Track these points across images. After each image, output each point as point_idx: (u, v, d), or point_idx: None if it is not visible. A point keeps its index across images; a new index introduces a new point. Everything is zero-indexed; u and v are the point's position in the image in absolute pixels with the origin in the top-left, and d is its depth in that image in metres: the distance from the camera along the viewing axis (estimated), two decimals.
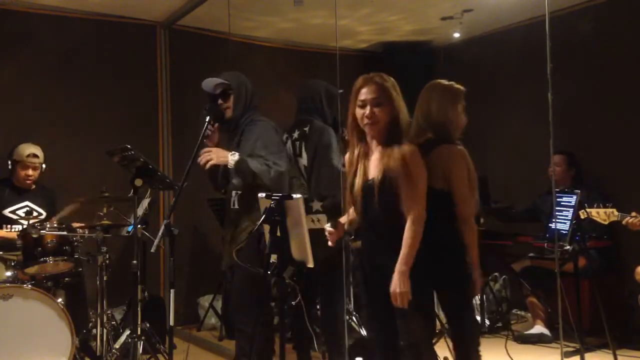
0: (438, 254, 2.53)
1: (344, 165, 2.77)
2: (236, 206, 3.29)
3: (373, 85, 2.48)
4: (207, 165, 3.07)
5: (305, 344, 3.73)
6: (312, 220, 3.38)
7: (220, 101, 3.30)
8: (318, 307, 4.35)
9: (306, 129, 3.58)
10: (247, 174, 3.07)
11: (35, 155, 4.18)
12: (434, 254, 2.51)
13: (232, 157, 3.08)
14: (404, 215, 2.41)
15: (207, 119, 3.09)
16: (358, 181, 2.53)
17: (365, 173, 2.51)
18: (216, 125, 3.25)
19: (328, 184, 3.44)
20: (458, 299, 2.66)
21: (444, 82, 2.79)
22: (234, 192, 3.32)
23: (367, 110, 2.46)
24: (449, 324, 2.77)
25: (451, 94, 2.74)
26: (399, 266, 2.37)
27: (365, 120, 2.47)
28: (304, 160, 3.58)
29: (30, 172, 4.18)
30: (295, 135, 3.63)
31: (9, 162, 4.19)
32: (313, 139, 3.53)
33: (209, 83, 3.33)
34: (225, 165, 3.17)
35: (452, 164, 2.58)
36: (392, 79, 2.54)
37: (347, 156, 2.65)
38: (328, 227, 2.58)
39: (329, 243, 2.61)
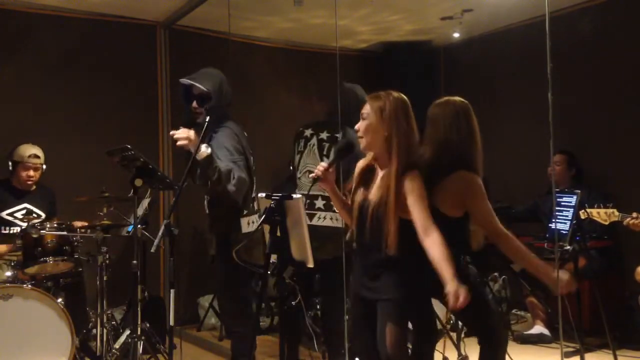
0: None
1: None
2: (207, 211, 3.37)
3: (371, 101, 2.48)
4: (178, 144, 3.03)
5: (295, 339, 3.74)
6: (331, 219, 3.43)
7: (195, 104, 3.29)
8: (318, 307, 4.37)
9: (338, 135, 3.50)
10: (211, 171, 3.01)
11: (37, 156, 4.16)
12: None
13: (204, 150, 3.01)
14: (390, 248, 2.35)
15: (207, 119, 3.07)
16: (357, 201, 2.51)
17: (366, 194, 2.49)
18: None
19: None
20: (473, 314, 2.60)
21: (461, 100, 2.67)
22: (205, 197, 3.39)
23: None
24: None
25: (467, 112, 2.63)
26: (448, 274, 2.23)
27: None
28: None
29: (31, 173, 4.16)
30: (324, 135, 3.58)
31: (10, 163, 4.16)
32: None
33: (187, 81, 3.31)
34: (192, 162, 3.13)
35: (472, 194, 2.50)
36: (401, 98, 2.48)
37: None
38: (324, 163, 2.54)
39: (311, 175, 2.57)
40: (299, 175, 3.61)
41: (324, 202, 3.45)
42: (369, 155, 2.55)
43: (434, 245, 2.28)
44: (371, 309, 2.46)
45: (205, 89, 3.25)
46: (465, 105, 2.64)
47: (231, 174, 3.07)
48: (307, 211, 3.42)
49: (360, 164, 2.60)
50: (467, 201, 2.51)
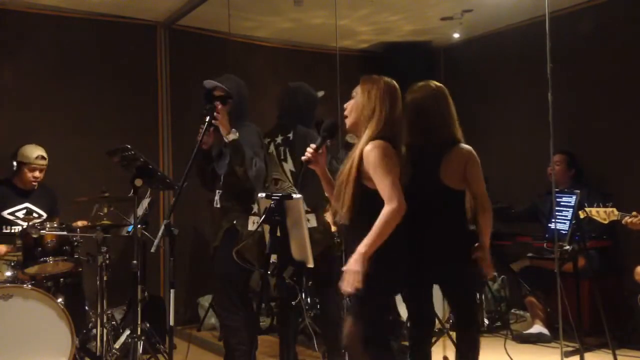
0: (448, 253, 2.64)
1: None
2: (218, 205, 3.42)
3: (362, 82, 2.58)
4: (214, 120, 3.12)
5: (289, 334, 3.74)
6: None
7: (217, 104, 3.28)
8: (318, 306, 4.37)
9: (290, 135, 3.59)
10: (237, 155, 3.18)
11: (44, 158, 4.20)
12: (444, 252, 2.63)
13: (233, 134, 3.18)
14: (344, 217, 2.44)
15: (207, 119, 3.08)
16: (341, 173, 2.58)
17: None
18: (211, 129, 3.26)
19: (317, 188, 3.45)
20: (467, 299, 2.79)
21: (437, 84, 2.83)
22: (217, 191, 3.44)
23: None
24: (456, 320, 2.86)
25: (447, 96, 2.79)
26: (359, 247, 2.35)
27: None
28: (289, 165, 3.59)
29: (37, 174, 4.19)
30: (279, 140, 3.63)
31: (15, 164, 4.17)
32: (298, 144, 3.53)
33: (212, 83, 3.38)
34: (219, 151, 3.34)
35: (472, 163, 2.68)
36: (392, 84, 2.56)
37: None
38: (313, 145, 2.58)
39: (302, 157, 2.59)
40: (267, 184, 3.60)
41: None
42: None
43: (381, 215, 2.34)
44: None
45: (226, 88, 3.36)
46: (442, 88, 2.79)
47: (253, 161, 3.22)
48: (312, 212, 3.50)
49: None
50: (467, 170, 2.66)
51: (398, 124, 2.54)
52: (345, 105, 2.61)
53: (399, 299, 4.58)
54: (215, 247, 3.47)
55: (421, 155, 2.68)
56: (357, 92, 2.58)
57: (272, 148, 3.63)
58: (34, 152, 4.16)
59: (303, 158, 2.58)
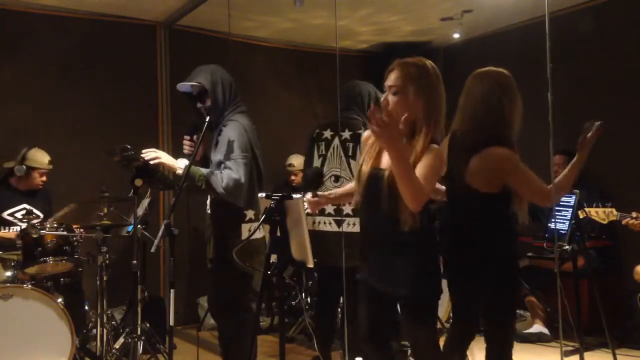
0: (487, 262, 2.45)
1: None
2: (209, 210, 3.23)
3: (397, 71, 2.27)
4: (153, 162, 2.95)
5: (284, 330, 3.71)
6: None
7: (199, 104, 3.18)
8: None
9: (360, 131, 3.39)
10: (197, 182, 2.91)
11: (51, 162, 4.29)
12: (483, 261, 2.45)
13: (179, 169, 2.94)
14: (403, 217, 2.20)
15: (207, 118, 3.06)
16: (365, 168, 2.35)
17: (376, 160, 2.33)
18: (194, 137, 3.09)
19: None
20: (504, 306, 2.56)
21: (500, 70, 2.51)
22: (208, 196, 3.24)
23: (384, 98, 2.29)
24: (488, 328, 2.62)
25: (507, 85, 2.48)
26: (404, 154, 2.08)
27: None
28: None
29: (45, 178, 4.28)
30: (347, 135, 3.49)
31: (24, 167, 4.20)
32: None
33: (183, 86, 3.20)
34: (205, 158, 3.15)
35: (509, 169, 2.43)
36: (435, 66, 2.29)
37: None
38: (309, 196, 2.53)
39: (308, 210, 2.55)
40: (324, 179, 3.49)
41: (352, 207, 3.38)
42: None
43: (422, 183, 2.13)
44: (385, 301, 2.35)
45: (196, 83, 3.13)
46: (506, 78, 2.50)
47: (219, 177, 2.93)
48: (337, 217, 3.38)
49: (366, 134, 2.47)
50: (505, 178, 2.43)
51: (444, 115, 2.31)
52: (383, 102, 2.25)
53: None
54: (210, 259, 3.25)
55: (458, 150, 2.48)
56: (397, 82, 2.23)
57: (336, 142, 3.49)
58: (45, 157, 4.26)
59: (308, 210, 2.55)
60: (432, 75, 2.28)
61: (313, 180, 2.56)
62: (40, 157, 4.24)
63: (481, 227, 2.48)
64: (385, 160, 2.29)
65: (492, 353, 2.53)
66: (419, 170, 2.17)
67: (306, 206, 2.54)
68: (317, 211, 2.50)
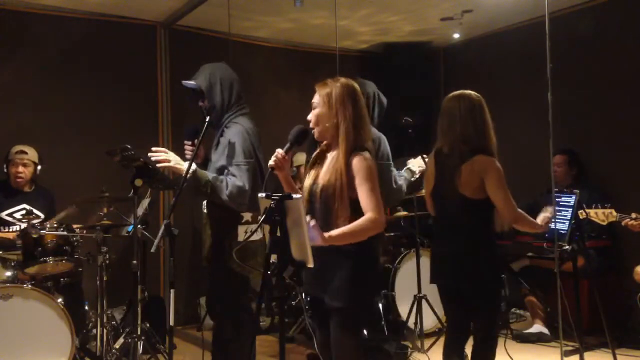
0: (467, 264, 2.66)
1: None
2: (205, 210, 3.24)
3: (319, 89, 2.55)
4: (159, 165, 2.96)
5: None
6: None
7: (200, 103, 3.19)
8: None
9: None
10: (202, 187, 2.93)
11: (23, 152, 4.16)
12: (467, 265, 2.65)
13: (190, 168, 2.90)
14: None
15: (207, 118, 3.06)
16: (306, 184, 2.56)
17: (315, 177, 2.53)
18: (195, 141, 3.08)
19: (390, 194, 3.31)
20: (489, 313, 2.77)
21: (474, 94, 2.82)
22: None
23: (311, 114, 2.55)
24: (475, 333, 2.82)
25: (481, 106, 2.81)
26: (331, 232, 2.32)
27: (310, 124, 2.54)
28: None
29: (20, 169, 4.14)
30: None
31: (4, 165, 4.20)
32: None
33: (187, 84, 3.20)
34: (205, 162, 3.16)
35: (490, 175, 2.65)
36: (349, 83, 2.53)
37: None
38: (280, 150, 2.52)
39: (269, 163, 2.54)
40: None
41: None
42: (323, 144, 2.59)
43: (363, 220, 2.34)
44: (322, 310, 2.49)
45: (193, 84, 3.14)
46: (479, 99, 2.80)
47: (224, 184, 2.95)
48: None
49: (317, 152, 2.63)
50: (485, 182, 2.66)
51: (366, 124, 2.51)
52: (308, 117, 2.56)
53: (399, 298, 4.59)
54: (207, 261, 3.24)
55: (445, 164, 2.76)
56: (317, 100, 2.54)
57: None
58: (15, 148, 4.16)
59: (270, 163, 2.54)
60: (341, 91, 2.51)
61: (297, 134, 2.54)
62: (11, 150, 4.17)
63: (469, 232, 2.71)
64: (322, 174, 2.51)
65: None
66: (365, 199, 2.37)
67: (271, 160, 2.52)
68: (276, 165, 2.51)
